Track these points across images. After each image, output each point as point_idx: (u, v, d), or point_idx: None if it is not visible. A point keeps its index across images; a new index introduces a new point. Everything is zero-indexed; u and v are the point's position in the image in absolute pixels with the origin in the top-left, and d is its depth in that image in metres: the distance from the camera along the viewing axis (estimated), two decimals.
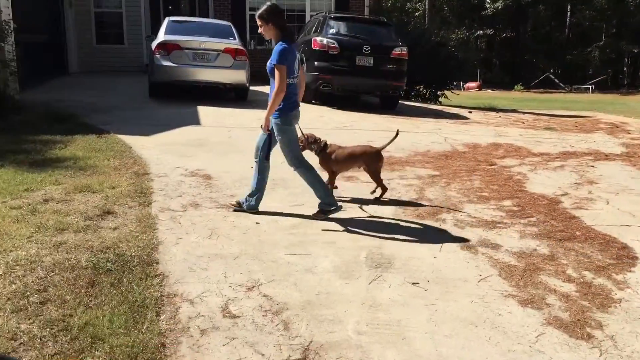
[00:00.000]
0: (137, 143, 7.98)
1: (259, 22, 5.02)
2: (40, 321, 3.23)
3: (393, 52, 12.60)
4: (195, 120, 10.10)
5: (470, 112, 14.90)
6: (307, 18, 17.20)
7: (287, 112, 5.03)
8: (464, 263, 4.44)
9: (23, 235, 4.49)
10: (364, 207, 5.74)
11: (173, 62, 11.58)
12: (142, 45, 17.34)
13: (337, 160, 5.82)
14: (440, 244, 4.80)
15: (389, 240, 4.85)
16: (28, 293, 3.55)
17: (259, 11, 4.99)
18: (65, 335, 3.11)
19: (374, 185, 6.07)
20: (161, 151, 7.65)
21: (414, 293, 3.88)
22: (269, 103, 4.96)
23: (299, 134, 5.41)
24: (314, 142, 5.78)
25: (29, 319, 3.26)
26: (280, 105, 4.96)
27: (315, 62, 12.41)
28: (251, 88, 13.11)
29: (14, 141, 7.84)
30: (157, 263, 4.13)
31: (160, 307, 3.48)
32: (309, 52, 12.70)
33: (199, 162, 7.10)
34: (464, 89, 34.01)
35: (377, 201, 5.96)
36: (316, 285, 3.93)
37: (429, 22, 29.64)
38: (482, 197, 6.25)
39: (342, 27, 12.84)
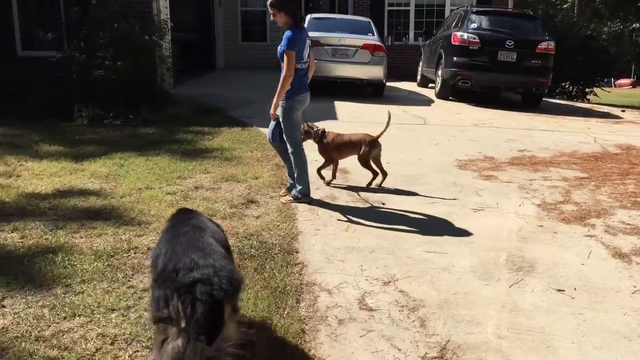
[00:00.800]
0: None
1: (271, 10, 5.11)
2: None
3: (539, 46, 11.97)
4: (332, 115, 10.29)
5: (623, 110, 13.78)
6: (447, 13, 16.85)
7: (293, 96, 5.17)
8: (616, 272, 4.13)
9: None
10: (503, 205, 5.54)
11: None
12: None
13: (334, 147, 5.95)
14: (589, 250, 4.50)
15: (531, 243, 4.63)
16: None
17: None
18: None
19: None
20: None
21: (559, 300, 3.68)
22: (278, 88, 5.08)
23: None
24: (313, 130, 5.92)
25: None
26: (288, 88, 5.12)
27: (454, 58, 12.12)
28: (387, 84, 13.11)
29: (168, 132, 8.49)
30: (297, 252, 4.27)
31: (300, 295, 3.60)
32: (448, 47, 12.44)
33: None
34: (615, 86, 31.54)
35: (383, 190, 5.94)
36: (453, 284, 3.86)
37: (578, 15, 27.81)
38: (637, 202, 5.77)
39: (484, 22, 12.43)
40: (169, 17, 10.95)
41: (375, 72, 12.11)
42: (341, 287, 3.75)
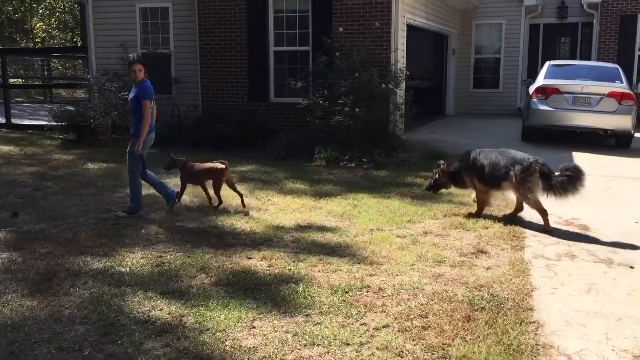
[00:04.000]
0: None
1: (139, 67, 6.23)
2: (422, 344, 3.50)
3: None
4: None
5: None
6: None
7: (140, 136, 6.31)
8: None
9: (407, 262, 4.95)
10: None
11: (550, 107, 11.33)
12: (517, 90, 17.43)
13: (189, 175, 6.83)
14: None
15: None
16: (412, 316, 3.89)
17: (137, 57, 6.36)
18: None
19: None
20: None
21: None
22: (142, 131, 6.23)
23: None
24: (177, 160, 6.89)
25: (413, 340, 3.57)
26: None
27: None
28: (636, 134, 11.91)
29: (398, 176, 8.75)
30: (531, 310, 4.05)
31: (535, 356, 3.40)
32: None
33: (575, 211, 6.73)
34: None
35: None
36: None
37: None
38: None
39: None
40: (405, 65, 11.38)
41: (622, 122, 11.09)
42: (583, 354, 3.45)
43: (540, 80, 11.83)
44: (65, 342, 3.50)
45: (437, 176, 6.89)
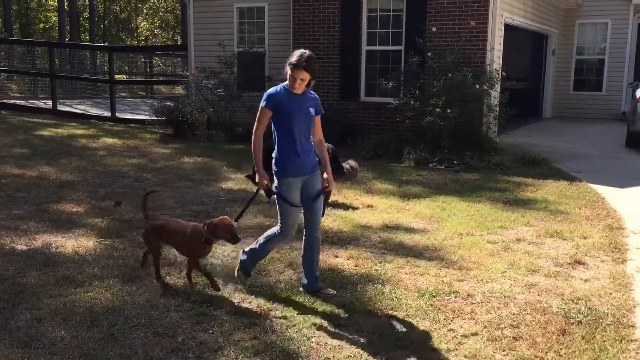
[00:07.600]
0: (611, 194, 7.59)
1: (302, 77, 4.03)
2: (513, 356, 3.39)
3: None
4: None
5: None
6: None
7: None
8: None
9: (497, 269, 4.80)
10: None
11: None
12: (621, 93, 16.45)
13: None
14: None
15: None
16: (502, 325, 3.77)
17: (305, 61, 3.98)
18: None
19: None
20: (638, 206, 7.09)
21: None
22: (328, 157, 4.37)
23: None
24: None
25: (503, 350, 3.45)
26: None
27: None
28: None
29: (490, 179, 8.49)
30: (633, 327, 3.81)
31: None
32: None
33: None
34: None
35: None
36: None
37: None
38: None
39: None
40: (501, 66, 11.03)
41: None
42: None
43: None
44: (161, 328, 3.66)
45: None
